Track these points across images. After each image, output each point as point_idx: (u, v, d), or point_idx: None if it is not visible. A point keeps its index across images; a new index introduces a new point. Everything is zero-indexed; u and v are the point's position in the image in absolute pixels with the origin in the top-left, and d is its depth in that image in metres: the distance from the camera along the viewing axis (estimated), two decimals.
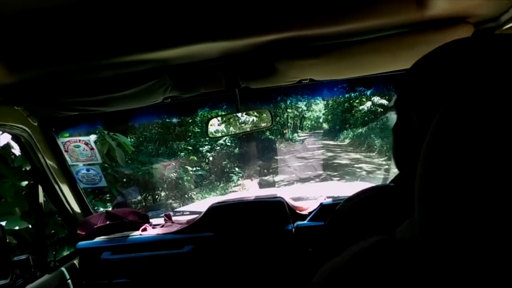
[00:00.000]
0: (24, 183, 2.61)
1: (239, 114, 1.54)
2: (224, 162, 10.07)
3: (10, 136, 1.98)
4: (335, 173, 9.61)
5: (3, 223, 2.24)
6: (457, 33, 1.11)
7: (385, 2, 1.02)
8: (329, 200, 1.74)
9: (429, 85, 0.48)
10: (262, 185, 9.30)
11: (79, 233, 1.79)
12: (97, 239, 1.79)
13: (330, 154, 12.40)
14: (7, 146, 2.42)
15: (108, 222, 1.84)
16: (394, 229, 0.55)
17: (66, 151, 1.73)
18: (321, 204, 1.69)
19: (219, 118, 1.62)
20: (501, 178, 0.25)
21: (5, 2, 0.85)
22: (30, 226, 2.47)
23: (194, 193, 8.74)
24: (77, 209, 1.84)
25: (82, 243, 1.77)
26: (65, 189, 1.76)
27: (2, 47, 1.04)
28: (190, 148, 9.32)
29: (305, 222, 1.66)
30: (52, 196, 1.74)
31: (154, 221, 1.96)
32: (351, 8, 1.04)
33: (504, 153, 0.25)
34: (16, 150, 2.42)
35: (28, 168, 2.29)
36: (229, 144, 10.31)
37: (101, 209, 2.59)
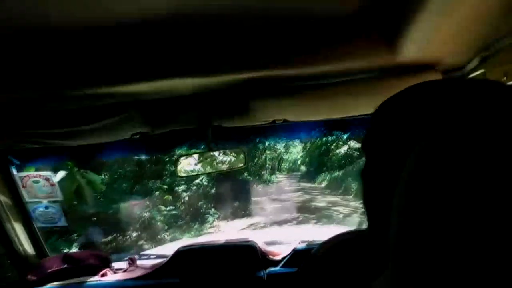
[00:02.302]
0: None
1: (212, 153, 1.50)
2: (200, 203, 9.85)
3: None
4: (312, 216, 9.55)
5: None
6: (427, 79, 1.13)
7: (358, 46, 1.05)
8: (303, 244, 1.67)
9: (398, 126, 0.47)
10: (237, 227, 9.12)
11: (29, 278, 1.62)
12: (49, 285, 1.62)
13: (307, 196, 12.38)
14: None
15: (64, 266, 1.69)
16: (370, 278, 0.52)
17: (24, 186, 1.61)
18: (294, 249, 1.62)
19: (190, 157, 1.56)
20: (491, 229, 0.22)
21: None
22: None
23: (167, 234, 8.43)
24: (30, 250, 1.68)
25: None
26: (18, 228, 1.61)
27: None
28: (166, 187, 9.10)
29: (277, 268, 1.58)
30: (2, 235, 1.59)
31: (117, 264, 1.81)
32: (325, 50, 1.06)
33: (492, 198, 0.22)
34: None
35: None
36: (206, 184, 10.16)
37: (66, 250, 2.40)
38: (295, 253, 1.59)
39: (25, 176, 1.61)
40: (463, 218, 0.24)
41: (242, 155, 1.57)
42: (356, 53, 1.06)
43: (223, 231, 9.01)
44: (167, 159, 9.07)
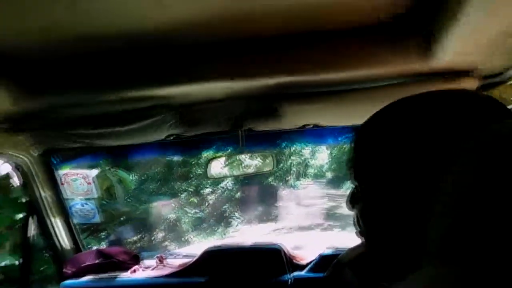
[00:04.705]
0: (19, 215, 2.55)
1: (242, 156, 1.53)
2: (224, 206, 9.89)
3: (10, 166, 1.97)
4: (337, 224, 9.37)
5: None
6: (461, 85, 1.12)
7: (393, 51, 1.05)
8: (329, 250, 1.67)
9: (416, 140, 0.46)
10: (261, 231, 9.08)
11: (65, 271, 1.70)
12: (84, 278, 1.70)
13: (332, 203, 12.14)
14: (7, 177, 2.40)
15: (97, 261, 1.77)
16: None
17: (63, 184, 1.70)
18: (320, 254, 1.61)
19: (221, 159, 1.60)
20: None
21: (27, 32, 0.89)
22: (20, 260, 2.39)
23: (192, 236, 8.52)
24: (67, 245, 1.77)
25: (67, 282, 1.68)
26: (58, 223, 1.71)
27: (16, 75, 1.07)
28: (191, 189, 9.21)
29: (303, 273, 1.58)
30: (43, 229, 1.69)
31: (146, 262, 1.87)
32: (358, 55, 1.07)
33: None
34: (15, 181, 2.39)
35: (24, 200, 2.25)
36: (230, 188, 10.19)
37: (94, 247, 2.50)
38: (321, 258, 1.59)
39: (64, 174, 1.70)
40: None
41: (271, 159, 1.59)
42: (390, 59, 1.06)
43: (246, 235, 8.99)
44: (193, 162, 9.20)
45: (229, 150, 1.60)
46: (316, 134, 1.68)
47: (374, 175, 0.52)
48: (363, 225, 0.58)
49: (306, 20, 0.99)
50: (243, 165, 1.63)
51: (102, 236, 6.61)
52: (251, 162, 1.63)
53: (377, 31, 1.04)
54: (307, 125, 1.48)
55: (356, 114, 1.38)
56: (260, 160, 1.64)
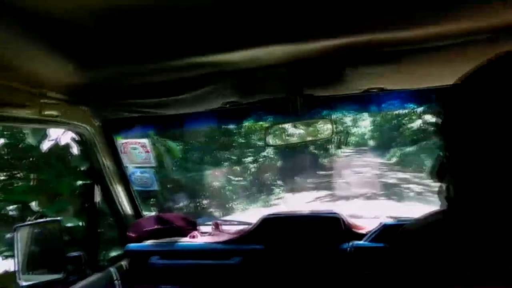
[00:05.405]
0: (79, 182, 2.72)
1: (298, 123, 1.49)
2: (266, 175, 10.03)
3: (70, 137, 2.07)
4: (381, 192, 9.21)
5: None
6: None
7: (472, 3, 0.92)
8: (391, 220, 1.61)
9: None
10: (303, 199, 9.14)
11: (129, 235, 1.79)
12: (146, 242, 1.78)
13: (375, 172, 11.94)
14: (66, 147, 2.53)
15: (156, 226, 1.84)
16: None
17: (123, 152, 1.76)
18: (381, 223, 1.56)
19: (278, 126, 1.56)
20: None
21: (82, 4, 0.87)
22: (80, 224, 2.57)
23: (236, 203, 8.76)
24: (128, 211, 1.86)
25: (131, 246, 1.77)
26: (120, 190, 1.78)
27: (78, 46, 1.07)
28: (234, 158, 9.39)
29: (363, 242, 1.54)
30: (106, 196, 1.77)
31: (202, 228, 1.93)
32: (432, 10, 0.94)
33: None
34: (74, 150, 2.52)
35: (83, 169, 2.37)
36: (272, 156, 10.27)
37: (145, 213, 2.62)
38: (384, 228, 1.54)
39: (124, 143, 1.75)
40: None
41: (329, 125, 1.53)
42: (468, 11, 0.94)
43: (288, 203, 9.10)
44: (235, 131, 9.31)
45: (283, 117, 1.54)
46: (375, 99, 1.57)
47: (480, 143, 0.45)
48: (459, 200, 0.52)
49: None
50: (299, 131, 1.59)
51: (151, 203, 6.98)
52: (307, 129, 1.59)
53: None
54: (371, 89, 1.38)
55: (429, 76, 1.27)
56: (317, 127, 1.59)
